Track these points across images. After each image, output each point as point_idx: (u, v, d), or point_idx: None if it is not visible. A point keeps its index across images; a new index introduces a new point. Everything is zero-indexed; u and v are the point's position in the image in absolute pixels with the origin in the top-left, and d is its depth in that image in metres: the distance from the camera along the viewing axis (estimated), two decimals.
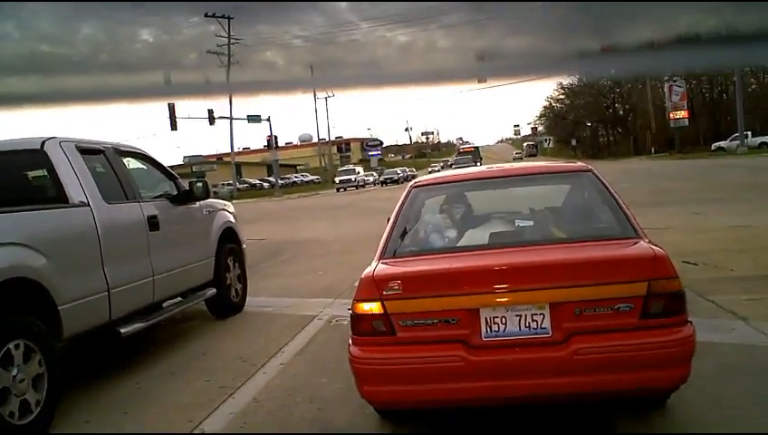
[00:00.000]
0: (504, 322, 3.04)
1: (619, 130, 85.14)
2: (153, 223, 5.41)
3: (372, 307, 3.15)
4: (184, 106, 44.64)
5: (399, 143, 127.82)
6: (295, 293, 7.94)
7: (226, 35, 54.86)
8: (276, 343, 5.57)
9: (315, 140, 76.53)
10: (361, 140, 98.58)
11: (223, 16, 54.84)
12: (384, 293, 3.13)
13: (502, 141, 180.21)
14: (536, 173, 4.65)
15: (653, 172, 31.73)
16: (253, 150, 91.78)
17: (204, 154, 77.25)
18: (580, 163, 4.65)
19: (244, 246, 7.48)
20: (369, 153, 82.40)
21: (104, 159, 5.29)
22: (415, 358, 3.09)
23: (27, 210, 4.27)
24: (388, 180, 56.10)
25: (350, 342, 3.28)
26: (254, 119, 52.99)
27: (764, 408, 3.46)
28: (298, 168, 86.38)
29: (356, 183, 53.00)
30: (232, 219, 7.18)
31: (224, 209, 7.14)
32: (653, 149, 65.00)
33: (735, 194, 16.20)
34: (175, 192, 6.18)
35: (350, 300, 3.34)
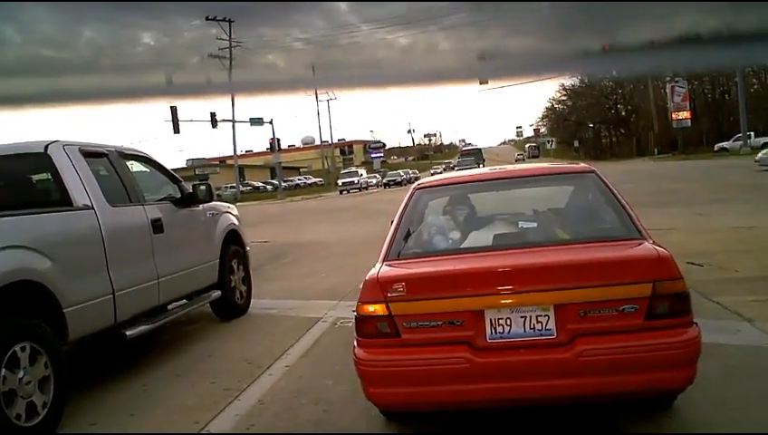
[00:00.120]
0: (508, 323, 3.05)
1: (622, 132, 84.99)
2: (157, 226, 5.43)
3: (377, 309, 3.15)
4: (186, 109, 44.80)
5: (402, 145, 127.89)
6: (299, 295, 7.95)
7: (228, 38, 55.03)
8: (281, 345, 5.57)
9: (318, 142, 76.61)
10: (364, 143, 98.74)
11: (224, 19, 55.02)
12: (388, 295, 3.13)
13: (504, 143, 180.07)
14: (539, 174, 4.64)
15: (656, 173, 31.67)
16: (255, 153, 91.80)
17: (207, 157, 77.30)
18: (583, 164, 4.65)
19: (248, 248, 7.49)
20: (372, 155, 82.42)
21: (108, 163, 5.30)
22: (420, 360, 3.09)
23: (32, 213, 4.29)
24: (391, 182, 56.10)
25: (355, 344, 3.29)
26: (256, 121, 53.01)
27: None
28: (301, 170, 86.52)
29: (359, 185, 52.98)
30: (235, 222, 7.19)
31: (227, 212, 7.16)
32: (656, 150, 64.85)
33: (739, 194, 16.18)
34: (178, 195, 6.20)
35: (355, 302, 3.35)
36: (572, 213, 4.13)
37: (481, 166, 41.36)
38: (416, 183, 4.53)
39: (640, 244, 3.29)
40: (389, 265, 3.43)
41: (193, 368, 5.20)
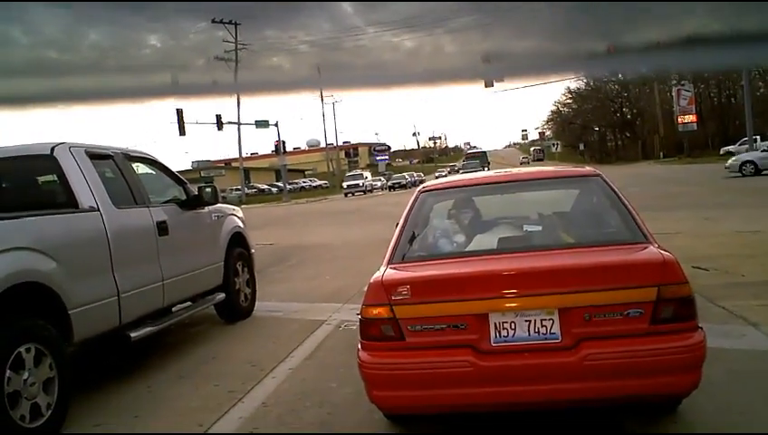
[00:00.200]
0: (513, 327, 3.04)
1: (627, 135, 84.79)
2: (162, 228, 5.44)
3: (381, 312, 3.15)
4: (192, 112, 44.96)
5: (407, 148, 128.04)
6: (304, 297, 7.94)
7: (234, 41, 55.16)
8: (285, 347, 5.58)
9: (323, 145, 76.67)
10: (369, 145, 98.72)
11: (230, 22, 55.16)
12: (393, 298, 3.13)
13: (510, 146, 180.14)
14: (544, 178, 4.63)
15: (662, 177, 31.60)
16: (261, 156, 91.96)
17: (212, 159, 77.63)
18: (588, 168, 4.64)
19: (253, 250, 7.50)
20: (377, 158, 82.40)
21: (113, 165, 5.32)
22: (424, 363, 3.09)
23: (38, 215, 4.30)
24: (396, 185, 56.09)
25: (359, 346, 3.28)
26: (261, 124, 53.11)
27: None
28: (306, 173, 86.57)
29: (364, 188, 52.97)
30: (241, 224, 7.20)
31: (232, 214, 7.17)
32: (661, 154, 64.71)
33: (745, 199, 16.11)
34: (184, 197, 6.21)
35: (359, 305, 3.35)
36: (577, 217, 4.12)
37: (486, 169, 41.32)
38: (420, 186, 4.52)
39: (645, 248, 3.28)
40: (394, 268, 3.42)
41: (197, 370, 5.21)
